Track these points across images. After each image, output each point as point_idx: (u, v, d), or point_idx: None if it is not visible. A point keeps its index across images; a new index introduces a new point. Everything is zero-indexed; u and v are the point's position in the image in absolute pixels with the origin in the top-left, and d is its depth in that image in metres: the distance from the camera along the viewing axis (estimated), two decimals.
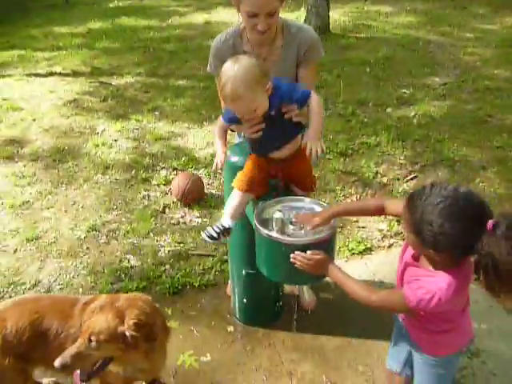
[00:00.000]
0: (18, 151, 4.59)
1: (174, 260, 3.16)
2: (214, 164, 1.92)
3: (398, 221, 3.42)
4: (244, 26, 2.12)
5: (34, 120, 5.19)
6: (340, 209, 1.91)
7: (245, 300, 2.50)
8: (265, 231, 1.72)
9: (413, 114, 4.98)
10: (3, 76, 6.65)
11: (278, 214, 1.73)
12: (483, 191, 3.75)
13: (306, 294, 2.76)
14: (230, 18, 8.75)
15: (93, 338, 1.63)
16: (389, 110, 5.12)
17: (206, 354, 2.45)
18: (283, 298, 2.70)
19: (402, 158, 4.25)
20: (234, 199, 2.02)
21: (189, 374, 2.34)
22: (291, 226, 1.75)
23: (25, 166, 4.35)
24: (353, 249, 3.22)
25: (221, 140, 2.00)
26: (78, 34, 8.92)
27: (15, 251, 3.32)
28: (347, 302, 2.65)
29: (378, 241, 3.33)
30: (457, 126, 4.77)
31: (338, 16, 8.75)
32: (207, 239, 2.00)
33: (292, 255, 1.69)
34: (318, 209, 1.89)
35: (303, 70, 2.19)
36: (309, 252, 1.69)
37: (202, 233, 2.05)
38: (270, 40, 2.10)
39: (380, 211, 1.76)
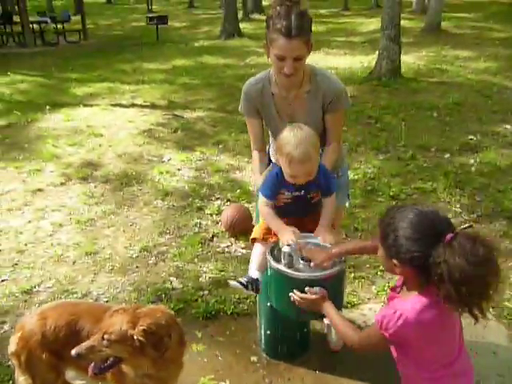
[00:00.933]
0: (92, 173, 5.05)
1: (212, 286, 3.29)
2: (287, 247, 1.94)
3: None
4: (273, 70, 2.28)
5: (111, 146, 5.69)
6: (348, 247, 1.95)
7: (268, 332, 2.55)
8: (273, 264, 1.80)
9: (476, 161, 4.82)
10: (92, 105, 7.37)
11: (286, 248, 1.81)
12: None
13: (334, 334, 2.75)
14: None
15: (105, 336, 1.79)
16: (450, 155, 5.00)
17: (226, 380, 2.51)
18: (310, 334, 2.72)
19: (457, 206, 4.12)
20: (256, 251, 2.16)
21: None
22: (301, 261, 1.82)
23: (95, 186, 4.77)
24: None
25: (277, 220, 2.07)
26: (163, 70, 9.69)
27: (74, 263, 3.63)
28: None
29: None
30: None
31: (412, 60, 8.74)
32: (236, 284, 2.13)
33: (291, 294, 1.75)
34: (329, 245, 1.94)
35: (329, 118, 2.29)
36: (307, 289, 1.73)
37: (230, 281, 2.18)
38: (296, 84, 2.23)
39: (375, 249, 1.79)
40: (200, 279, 3.38)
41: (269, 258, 1.85)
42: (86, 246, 3.80)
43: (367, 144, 5.33)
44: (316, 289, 1.74)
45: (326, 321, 2.80)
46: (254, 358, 2.66)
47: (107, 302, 3.19)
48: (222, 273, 3.43)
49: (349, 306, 3.05)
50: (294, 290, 1.77)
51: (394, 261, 1.47)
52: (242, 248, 3.74)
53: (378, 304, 3.05)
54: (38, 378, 2.17)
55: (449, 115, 6.12)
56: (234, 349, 2.74)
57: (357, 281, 3.29)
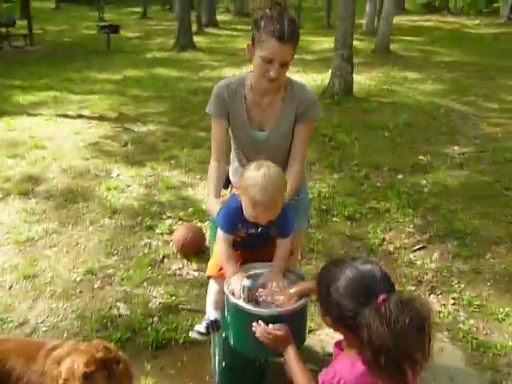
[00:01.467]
0: (33, 188, 4.72)
1: (162, 313, 3.10)
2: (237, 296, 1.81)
3: (399, 291, 3.30)
4: (250, 75, 2.18)
5: (55, 159, 5.37)
6: (309, 287, 1.82)
7: (223, 363, 2.40)
8: (232, 299, 1.68)
9: (427, 181, 4.92)
10: (36, 115, 6.99)
11: (246, 282, 1.68)
12: (493, 268, 3.60)
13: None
14: None
15: None
16: (402, 176, 5.08)
17: None
18: (267, 363, 2.59)
19: (411, 226, 4.15)
20: (211, 289, 2.03)
21: None
22: (261, 295, 1.70)
23: (37, 203, 4.46)
24: None
25: (233, 264, 1.93)
26: (113, 80, 9.39)
27: (10, 287, 3.33)
28: None
29: None
30: (471, 197, 4.67)
31: (364, 79, 8.95)
32: (197, 336, 1.96)
33: (254, 324, 1.63)
34: (290, 276, 1.84)
35: (300, 127, 2.20)
36: (271, 325, 1.62)
37: (190, 332, 2.00)
38: (274, 91, 2.14)
39: None
40: (150, 305, 3.18)
41: (226, 292, 1.72)
42: (25, 268, 3.51)
43: (322, 162, 5.33)
44: (278, 325, 1.63)
45: None
46: None
47: (46, 331, 2.94)
48: (173, 297, 3.25)
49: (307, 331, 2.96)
50: (260, 322, 1.65)
51: (327, 317, 1.42)
52: (194, 270, 3.57)
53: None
54: None
55: (399, 135, 6.25)
56: (187, 382, 2.56)
57: (313, 305, 3.20)
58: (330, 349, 2.82)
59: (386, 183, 4.87)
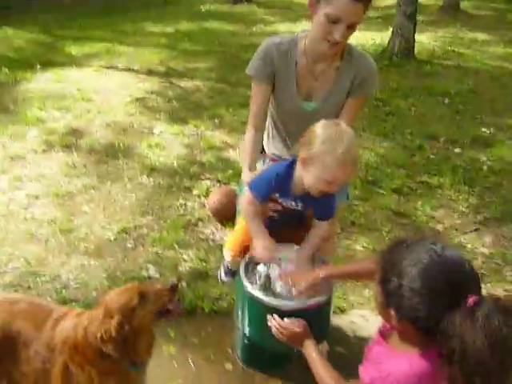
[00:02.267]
0: (76, 141, 4.72)
1: (191, 278, 3.03)
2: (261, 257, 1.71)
3: None
4: (304, 35, 1.93)
5: (100, 113, 5.34)
6: (339, 271, 1.64)
7: (246, 341, 2.29)
8: (248, 287, 1.52)
9: (488, 157, 4.49)
10: (85, 66, 6.97)
11: (262, 268, 1.52)
12: None
13: (320, 347, 2.49)
14: None
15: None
16: (460, 149, 4.66)
17: None
18: None
19: (464, 205, 3.82)
20: (226, 258, 1.88)
21: None
22: (279, 283, 1.53)
23: (79, 157, 4.45)
24: None
25: (261, 228, 1.78)
26: (165, 33, 9.20)
27: (46, 241, 3.36)
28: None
29: None
30: None
31: (427, 40, 8.27)
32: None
33: (268, 317, 1.47)
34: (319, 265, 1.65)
35: (351, 101, 1.96)
36: (287, 320, 1.46)
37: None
38: (331, 57, 1.89)
39: (370, 275, 1.49)
40: (179, 268, 3.12)
41: (243, 278, 1.56)
42: (62, 223, 3.53)
43: (372, 128, 4.98)
44: (296, 321, 1.47)
45: None
46: (228, 366, 2.42)
47: (77, 288, 2.95)
48: (204, 263, 3.17)
49: (337, 311, 2.80)
50: (274, 315, 1.49)
51: (392, 312, 1.16)
52: (228, 236, 3.46)
53: (369, 310, 2.80)
54: None
55: (462, 103, 5.74)
56: (208, 353, 2.49)
57: (348, 283, 3.02)
58: (363, 332, 2.67)
59: (441, 156, 4.49)
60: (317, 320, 1.52)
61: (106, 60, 7.32)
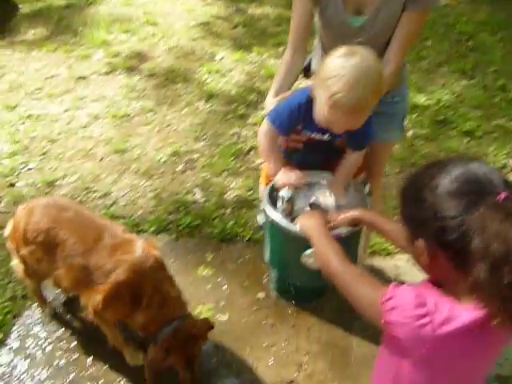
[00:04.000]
0: (138, 65, 4.70)
1: (236, 206, 3.00)
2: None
3: None
4: None
5: (163, 37, 5.25)
6: (373, 219, 1.44)
7: (278, 272, 2.24)
8: (268, 211, 1.42)
9: None
10: None
11: (284, 192, 1.40)
12: None
13: None
14: None
15: None
16: None
17: (225, 313, 2.29)
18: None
19: None
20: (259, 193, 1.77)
21: None
22: (307, 209, 1.42)
23: (139, 80, 4.45)
24: None
25: (277, 157, 1.67)
26: None
27: (101, 159, 3.45)
28: None
29: None
30: None
31: None
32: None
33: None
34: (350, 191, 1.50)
35: (407, 15, 1.66)
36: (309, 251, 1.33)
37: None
38: None
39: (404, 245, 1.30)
40: (225, 195, 3.09)
41: (265, 202, 1.46)
42: (117, 142, 3.59)
43: (451, 65, 4.51)
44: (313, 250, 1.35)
45: None
46: (261, 295, 2.40)
47: (124, 206, 3.02)
48: (250, 192, 3.11)
49: (383, 253, 2.66)
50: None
51: (419, 241, 1.00)
52: None
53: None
54: (27, 266, 2.06)
55: None
56: (243, 280, 2.48)
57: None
58: (406, 277, 2.52)
59: None
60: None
61: None
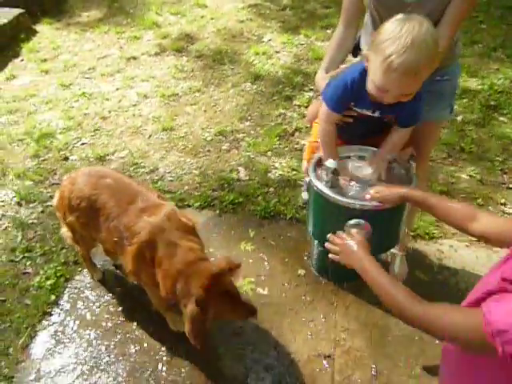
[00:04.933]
0: (187, 46, 4.78)
1: (279, 185, 3.02)
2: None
3: None
4: None
5: (212, 19, 5.31)
6: (424, 196, 1.41)
7: (320, 248, 2.26)
8: (313, 180, 1.43)
9: None
10: None
11: (331, 163, 1.41)
12: None
13: (398, 265, 2.39)
14: None
15: None
16: None
17: (265, 288, 2.34)
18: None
19: None
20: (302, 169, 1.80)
21: None
22: (355, 185, 1.42)
23: (188, 61, 4.53)
24: None
25: (332, 148, 1.67)
26: None
27: (149, 137, 3.56)
28: (444, 293, 2.25)
29: None
30: None
31: None
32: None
33: (329, 236, 1.35)
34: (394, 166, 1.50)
35: None
36: (345, 233, 1.33)
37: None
38: None
39: (466, 223, 1.28)
40: (269, 175, 3.13)
41: (310, 172, 1.48)
42: (165, 121, 3.69)
43: (507, 49, 4.32)
44: (358, 222, 1.36)
45: (392, 249, 2.44)
46: (301, 271, 2.43)
47: (171, 181, 3.11)
48: (294, 172, 3.13)
49: (426, 237, 2.62)
50: (330, 235, 1.38)
51: None
52: None
53: (462, 242, 2.58)
54: (74, 233, 2.17)
55: None
56: (284, 257, 2.52)
57: None
58: (449, 262, 2.48)
59: None
60: (382, 227, 1.40)
61: None
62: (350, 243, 1.33)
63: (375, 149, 1.67)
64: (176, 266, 1.72)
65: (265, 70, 4.30)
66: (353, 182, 1.54)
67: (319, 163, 1.65)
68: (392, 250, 2.42)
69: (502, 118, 3.47)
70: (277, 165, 3.22)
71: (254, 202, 2.88)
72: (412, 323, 1.12)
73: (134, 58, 4.61)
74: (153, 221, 1.83)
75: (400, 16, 1.42)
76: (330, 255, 1.38)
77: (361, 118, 1.65)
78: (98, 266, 2.46)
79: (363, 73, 1.54)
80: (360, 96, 1.59)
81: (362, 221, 1.41)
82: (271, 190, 3.00)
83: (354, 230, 1.35)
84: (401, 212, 1.51)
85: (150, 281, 1.85)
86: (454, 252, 2.54)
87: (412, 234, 2.61)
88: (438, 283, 2.37)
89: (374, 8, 1.81)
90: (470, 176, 3.03)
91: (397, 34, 1.36)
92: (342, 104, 1.62)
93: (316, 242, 2.27)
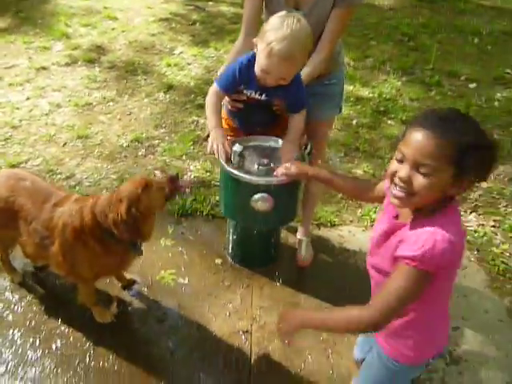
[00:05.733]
0: (99, 57, 4.85)
1: (195, 186, 3.22)
2: (211, 149, 1.87)
3: None
4: None
5: (123, 31, 5.41)
6: (327, 175, 1.67)
7: (234, 236, 2.49)
8: (224, 165, 1.67)
9: (504, 96, 4.41)
10: None
11: (237, 147, 1.66)
12: None
13: (304, 249, 2.68)
14: None
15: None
16: (476, 84, 4.58)
17: (185, 277, 2.51)
18: (279, 247, 2.66)
19: None
20: None
21: (162, 290, 2.43)
22: (258, 167, 1.67)
23: (100, 71, 4.60)
24: (375, 220, 3.03)
25: (216, 116, 1.93)
26: None
27: (64, 144, 3.58)
28: (345, 271, 2.58)
29: None
30: None
31: None
32: None
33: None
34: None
35: (335, 11, 1.97)
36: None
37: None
38: None
39: (365, 194, 1.60)
40: (185, 177, 3.31)
41: (221, 157, 1.72)
42: (80, 129, 3.73)
43: (393, 63, 4.91)
44: (261, 195, 1.61)
45: (298, 235, 2.73)
46: (218, 261, 2.64)
47: (89, 186, 3.18)
48: (208, 174, 3.34)
49: (328, 225, 2.96)
50: None
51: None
52: None
53: (359, 228, 2.95)
54: None
55: (491, 44, 5.54)
56: (202, 249, 2.71)
57: (344, 201, 3.16)
58: (348, 245, 2.83)
59: (458, 93, 4.43)
60: (282, 200, 1.66)
61: None
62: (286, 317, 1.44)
63: (277, 139, 1.93)
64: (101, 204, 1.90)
65: (177, 80, 4.50)
66: (257, 165, 1.78)
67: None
68: (298, 237, 2.71)
69: (390, 122, 3.97)
70: (192, 167, 3.41)
71: (171, 202, 3.03)
72: (377, 323, 1.24)
73: (44, 68, 4.58)
74: (65, 209, 1.94)
75: (283, 12, 1.75)
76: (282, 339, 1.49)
77: (252, 104, 1.91)
78: (19, 270, 2.48)
79: (251, 59, 1.83)
80: (248, 79, 1.86)
81: (265, 195, 1.66)
82: (187, 190, 3.16)
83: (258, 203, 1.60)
84: (298, 188, 1.79)
85: (85, 267, 1.95)
86: (353, 236, 2.89)
87: (316, 222, 2.94)
88: (339, 263, 2.70)
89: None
90: (365, 171, 3.44)
91: (279, 26, 1.68)
92: (229, 83, 1.88)
93: (231, 230, 2.51)
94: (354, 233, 2.92)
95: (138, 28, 5.52)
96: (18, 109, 3.95)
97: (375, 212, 3.06)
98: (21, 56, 4.79)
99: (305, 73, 1.92)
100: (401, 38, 5.46)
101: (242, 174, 1.62)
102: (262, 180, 1.62)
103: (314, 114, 2.25)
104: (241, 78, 1.83)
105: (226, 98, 1.98)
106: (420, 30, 5.66)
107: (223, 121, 2.07)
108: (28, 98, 4.10)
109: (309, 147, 2.04)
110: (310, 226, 2.81)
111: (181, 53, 5.02)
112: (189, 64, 4.81)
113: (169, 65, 4.73)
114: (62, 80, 4.42)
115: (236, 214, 1.69)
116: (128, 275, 2.43)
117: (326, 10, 1.97)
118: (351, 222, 3.01)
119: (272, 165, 1.75)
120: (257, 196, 1.65)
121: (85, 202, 2.00)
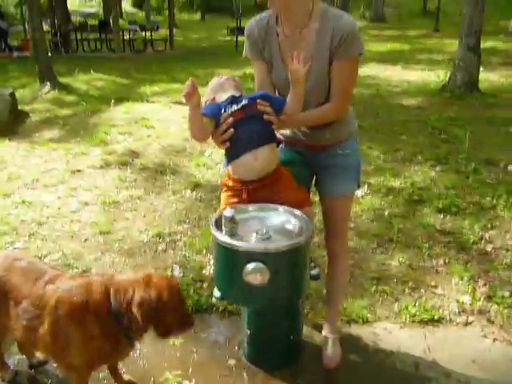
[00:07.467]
0: (132, 160, 5.01)
1: (212, 279, 2.99)
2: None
3: (487, 296, 2.77)
4: None
5: (158, 138, 5.65)
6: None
7: (248, 332, 2.20)
8: (214, 232, 1.48)
9: None
10: (154, 102, 7.49)
11: (228, 212, 1.48)
12: None
13: (330, 348, 2.32)
14: None
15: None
16: None
17: (192, 380, 2.19)
18: (301, 344, 2.33)
19: None
20: None
21: None
22: (255, 235, 1.47)
23: (132, 172, 4.71)
24: (415, 315, 2.65)
25: (199, 118, 1.92)
26: (233, 76, 9.66)
27: (86, 240, 3.52)
28: (380, 375, 2.20)
29: (453, 314, 2.69)
30: None
31: (496, 77, 7.91)
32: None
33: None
34: (292, 220, 1.57)
35: (336, 65, 1.89)
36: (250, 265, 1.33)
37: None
38: (301, 22, 1.90)
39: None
40: (203, 271, 3.11)
41: (212, 227, 1.54)
42: (103, 225, 3.70)
43: (425, 154, 4.78)
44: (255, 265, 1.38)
45: (323, 332, 2.40)
46: (231, 362, 2.31)
47: None
48: None
49: (360, 321, 2.61)
50: None
51: None
52: None
53: (395, 324, 2.58)
54: None
55: None
56: (214, 348, 2.41)
57: (378, 295, 2.83)
58: (383, 345, 2.45)
59: (499, 179, 4.17)
60: (287, 269, 1.41)
61: (174, 97, 7.80)
62: None
63: (282, 207, 1.75)
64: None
65: (205, 178, 4.52)
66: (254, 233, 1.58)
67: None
68: (323, 334, 2.38)
69: (425, 210, 3.71)
70: (212, 261, 3.21)
71: (186, 297, 2.82)
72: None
73: (79, 171, 4.74)
74: (59, 285, 1.79)
75: None
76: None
77: (241, 119, 1.85)
78: (12, 367, 2.26)
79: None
80: (223, 102, 1.92)
81: (260, 264, 1.43)
82: (205, 285, 2.96)
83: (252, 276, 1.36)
84: (302, 257, 1.54)
85: (76, 350, 1.74)
86: (389, 334, 2.52)
87: (345, 318, 2.60)
88: (373, 365, 2.31)
89: (276, 87, 2.07)
90: (400, 262, 3.13)
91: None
92: (212, 109, 1.92)
93: (246, 327, 2.22)
94: (391, 330, 2.54)
95: (172, 135, 5.77)
96: (47, 207, 4.01)
97: (414, 306, 2.70)
98: (59, 161, 5.03)
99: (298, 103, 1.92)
100: (431, 132, 5.39)
101: (229, 240, 1.43)
102: (256, 247, 1.41)
103: (330, 190, 2.09)
104: (218, 105, 1.91)
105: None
106: (450, 123, 5.61)
107: (226, 177, 2.02)
108: (59, 198, 4.19)
109: (317, 270, 1.85)
110: (338, 322, 2.47)
111: (211, 153, 5.12)
112: (217, 164, 4.86)
113: (198, 165, 4.80)
114: (94, 181, 4.53)
115: (228, 287, 1.46)
116: (126, 376, 2.15)
117: (322, 66, 1.91)
118: (387, 317, 2.65)
119: (272, 236, 1.55)
120: (250, 266, 1.42)
121: (83, 278, 1.88)
